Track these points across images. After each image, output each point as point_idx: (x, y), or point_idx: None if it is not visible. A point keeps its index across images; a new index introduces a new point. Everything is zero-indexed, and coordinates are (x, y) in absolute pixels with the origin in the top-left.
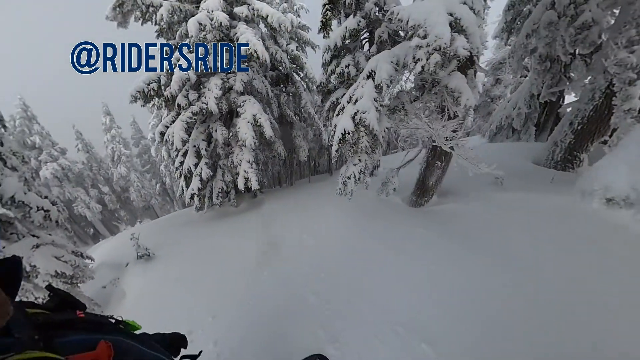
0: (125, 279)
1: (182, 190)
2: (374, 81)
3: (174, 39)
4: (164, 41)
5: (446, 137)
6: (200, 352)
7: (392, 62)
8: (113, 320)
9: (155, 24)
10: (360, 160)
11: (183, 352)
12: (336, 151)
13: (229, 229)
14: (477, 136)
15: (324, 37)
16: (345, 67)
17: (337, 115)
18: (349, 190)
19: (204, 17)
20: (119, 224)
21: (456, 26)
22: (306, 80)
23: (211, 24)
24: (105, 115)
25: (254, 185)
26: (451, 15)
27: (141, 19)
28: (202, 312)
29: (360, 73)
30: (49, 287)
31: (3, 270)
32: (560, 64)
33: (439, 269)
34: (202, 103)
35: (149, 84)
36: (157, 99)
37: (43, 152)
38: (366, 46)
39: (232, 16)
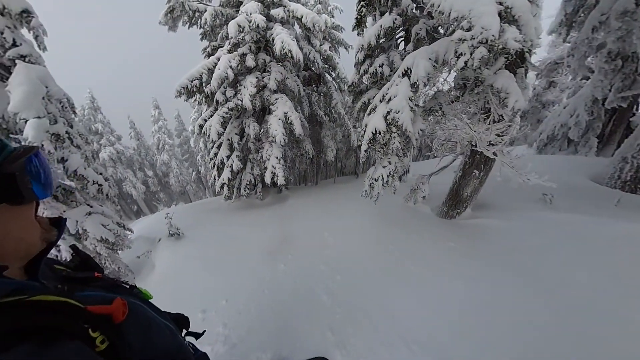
0: (156, 253)
1: (214, 179)
2: (409, 79)
3: (216, 40)
4: (207, 43)
5: (489, 142)
6: (204, 331)
7: (430, 58)
8: (127, 286)
9: (200, 27)
10: (389, 163)
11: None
12: (365, 151)
13: (253, 220)
14: (522, 146)
15: (358, 34)
16: (379, 66)
17: (369, 114)
18: (375, 193)
19: (243, 20)
20: (157, 204)
21: (506, 16)
22: (338, 80)
23: (249, 26)
24: (155, 109)
25: (280, 180)
26: (500, 4)
27: (188, 23)
28: (218, 294)
29: (395, 72)
30: (73, 247)
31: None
32: (636, 62)
33: (467, 289)
34: (238, 100)
35: (192, 81)
36: (198, 94)
37: (103, 137)
38: (401, 45)
39: (269, 18)
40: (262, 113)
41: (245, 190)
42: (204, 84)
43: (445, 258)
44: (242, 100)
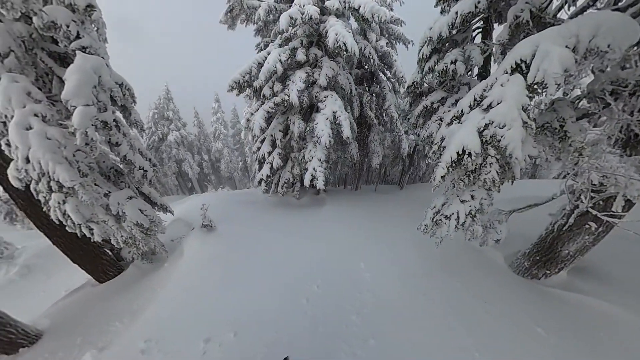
0: (187, 240)
1: (255, 172)
2: (525, 78)
3: (269, 36)
4: (260, 39)
5: None
6: None
7: (567, 46)
8: None
9: (254, 23)
10: (472, 197)
11: None
12: (442, 177)
13: (285, 224)
14: None
15: (441, 11)
16: (451, 63)
17: (449, 124)
18: (440, 234)
19: (295, 12)
20: (207, 185)
21: None
22: (393, 80)
23: (302, 18)
24: (215, 102)
25: (320, 184)
26: None
27: (245, 21)
28: (226, 323)
29: (470, 71)
30: None
31: None
32: None
33: None
34: (285, 95)
35: (243, 76)
36: (248, 89)
37: (172, 123)
38: (477, 38)
39: (323, 11)
40: (309, 111)
41: (282, 189)
42: (253, 78)
43: (527, 346)
44: (289, 96)
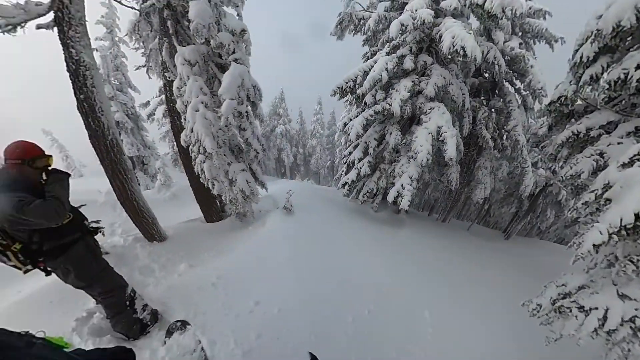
0: (271, 215)
1: (341, 174)
2: None
3: (377, 45)
4: (368, 49)
5: None
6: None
7: None
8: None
9: (363, 33)
10: None
11: None
12: (596, 247)
13: (358, 237)
14: None
15: None
16: (637, 68)
17: (626, 165)
18: (560, 329)
19: (406, 18)
20: (297, 174)
21: None
22: (525, 92)
23: (413, 24)
24: (318, 104)
25: (404, 204)
26: None
27: (353, 31)
28: (290, 282)
29: None
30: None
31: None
32: None
33: None
34: (387, 104)
35: (346, 82)
36: (350, 95)
37: (281, 118)
38: None
39: (437, 14)
40: (409, 122)
41: (363, 197)
42: (357, 86)
43: None
44: (390, 105)
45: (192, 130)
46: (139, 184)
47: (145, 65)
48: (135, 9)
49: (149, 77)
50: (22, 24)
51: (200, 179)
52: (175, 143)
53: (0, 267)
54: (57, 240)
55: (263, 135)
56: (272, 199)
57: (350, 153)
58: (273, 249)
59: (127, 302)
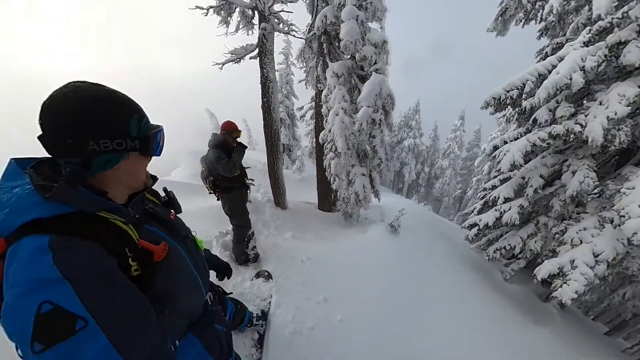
0: (374, 226)
1: (472, 212)
2: None
3: (564, 34)
4: (547, 40)
5: None
6: (231, 292)
7: None
8: (184, 233)
9: (540, 21)
10: None
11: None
12: None
13: (474, 306)
14: None
15: None
16: None
17: None
18: None
19: None
20: (415, 194)
21: None
22: None
23: None
24: (459, 119)
25: (566, 294)
26: None
27: (523, 21)
28: (364, 300)
29: None
30: (164, 189)
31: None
32: None
33: None
34: (575, 124)
35: (508, 91)
36: (511, 108)
37: (412, 131)
38: None
39: None
40: (617, 159)
41: (495, 252)
42: (523, 96)
43: None
44: (583, 126)
45: (329, 131)
46: (283, 164)
47: (304, 79)
48: (302, 38)
49: (306, 88)
50: (243, 57)
51: (325, 173)
52: (314, 139)
53: (200, 187)
54: (227, 183)
55: (388, 145)
56: (380, 211)
57: (493, 187)
58: (364, 261)
59: (245, 239)
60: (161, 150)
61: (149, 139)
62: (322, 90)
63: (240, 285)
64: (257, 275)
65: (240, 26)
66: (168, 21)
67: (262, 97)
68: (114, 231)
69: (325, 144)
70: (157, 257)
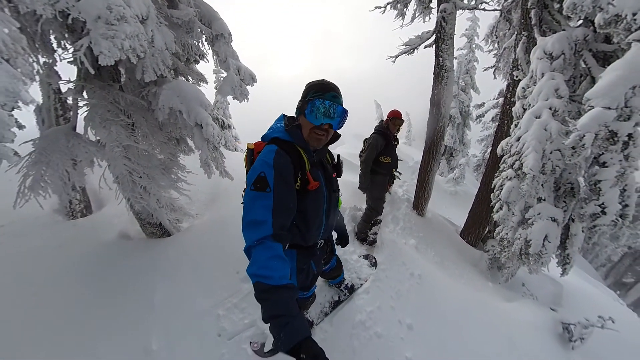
0: (536, 306)
1: None
2: None
3: None
4: None
5: None
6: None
7: None
8: (335, 189)
9: None
10: None
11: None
12: None
13: None
14: None
15: None
16: None
17: None
18: None
19: None
20: None
21: None
22: None
23: None
24: None
25: None
26: None
27: None
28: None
29: None
30: (338, 156)
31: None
32: None
33: None
34: None
35: None
36: None
37: None
38: None
39: None
40: None
41: None
42: None
43: None
44: None
45: (517, 140)
46: (438, 168)
47: (493, 66)
48: (496, 10)
49: (494, 78)
50: (417, 47)
51: (491, 196)
52: (490, 149)
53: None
54: (376, 167)
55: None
56: (554, 291)
57: None
58: (479, 337)
59: (372, 222)
60: (321, 121)
61: (305, 105)
62: (518, 81)
63: (350, 255)
64: (366, 257)
65: (417, 14)
66: (345, 31)
67: (432, 89)
68: (301, 160)
69: (505, 157)
70: (311, 187)
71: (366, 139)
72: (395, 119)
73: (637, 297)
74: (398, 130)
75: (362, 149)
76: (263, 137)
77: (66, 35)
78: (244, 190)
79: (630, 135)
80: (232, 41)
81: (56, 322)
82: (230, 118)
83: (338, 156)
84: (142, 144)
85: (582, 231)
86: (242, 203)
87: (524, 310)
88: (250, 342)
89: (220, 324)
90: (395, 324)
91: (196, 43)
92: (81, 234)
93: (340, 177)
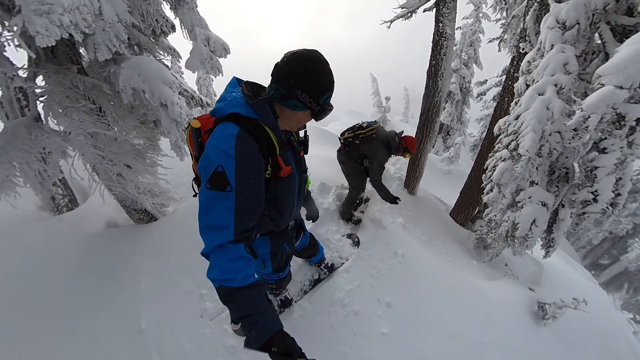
0: (515, 285)
1: None
2: None
3: None
4: None
5: None
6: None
7: None
8: (304, 169)
9: None
10: None
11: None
12: None
13: None
14: None
15: None
16: None
17: None
18: None
19: None
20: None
21: None
22: None
23: None
24: None
25: None
26: None
27: None
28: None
29: None
30: (305, 132)
31: None
32: None
33: None
34: None
35: None
36: None
37: None
38: None
39: None
40: None
41: None
42: None
43: None
44: None
45: (516, 118)
46: (433, 146)
47: (499, 37)
48: None
49: (499, 50)
50: (415, 10)
51: (482, 176)
52: (487, 129)
53: None
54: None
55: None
56: (536, 271)
57: None
58: (460, 308)
59: (356, 202)
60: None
61: (324, 111)
62: (524, 54)
63: (332, 234)
64: (349, 236)
65: None
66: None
67: (430, 60)
68: (270, 143)
69: (501, 136)
70: (283, 173)
71: (366, 139)
72: (408, 150)
73: (609, 277)
74: (402, 156)
75: (363, 155)
76: (214, 112)
77: (4, 16)
78: (193, 180)
79: (638, 120)
80: (197, 6)
81: (51, 308)
82: (216, 95)
83: (305, 131)
84: (113, 130)
85: (570, 217)
86: (194, 196)
87: (503, 289)
88: (231, 323)
89: (203, 303)
90: (374, 302)
91: (157, 11)
92: (68, 227)
93: (307, 153)
